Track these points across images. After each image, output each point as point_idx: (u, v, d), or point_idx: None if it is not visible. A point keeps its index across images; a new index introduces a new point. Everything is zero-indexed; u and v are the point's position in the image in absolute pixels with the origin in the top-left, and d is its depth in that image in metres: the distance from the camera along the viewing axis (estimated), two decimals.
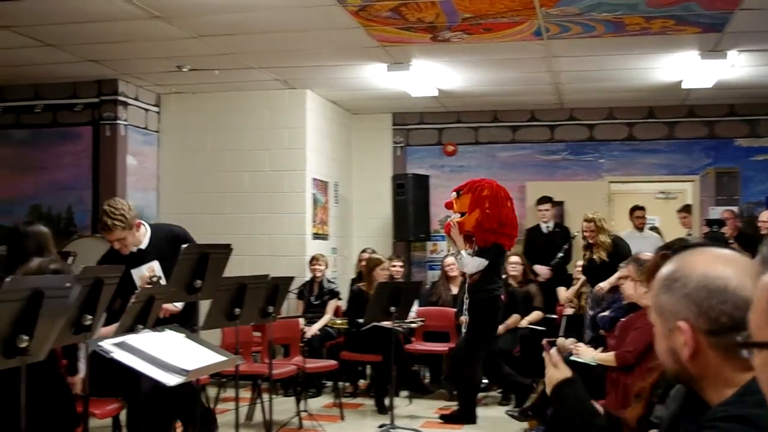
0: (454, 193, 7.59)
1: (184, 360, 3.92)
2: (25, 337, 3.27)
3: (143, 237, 5.45)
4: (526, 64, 8.72)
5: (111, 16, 7.04)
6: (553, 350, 2.76)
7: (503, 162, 11.18)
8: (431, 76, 9.18)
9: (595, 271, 7.78)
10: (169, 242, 5.43)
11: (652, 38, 7.65)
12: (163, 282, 5.26)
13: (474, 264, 7.21)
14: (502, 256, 7.63)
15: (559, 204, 10.29)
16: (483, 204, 7.23)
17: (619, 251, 7.68)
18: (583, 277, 8.32)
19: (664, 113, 10.84)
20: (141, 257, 5.33)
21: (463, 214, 7.34)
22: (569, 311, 8.42)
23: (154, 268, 5.29)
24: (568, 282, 9.04)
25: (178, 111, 10.26)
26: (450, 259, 9.27)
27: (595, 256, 7.87)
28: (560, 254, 9.48)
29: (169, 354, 3.94)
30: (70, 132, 9.64)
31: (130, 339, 4.01)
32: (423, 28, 7.40)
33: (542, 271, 9.40)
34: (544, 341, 3.75)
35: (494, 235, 7.23)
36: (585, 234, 8.07)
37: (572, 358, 5.64)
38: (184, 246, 4.99)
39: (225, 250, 5.26)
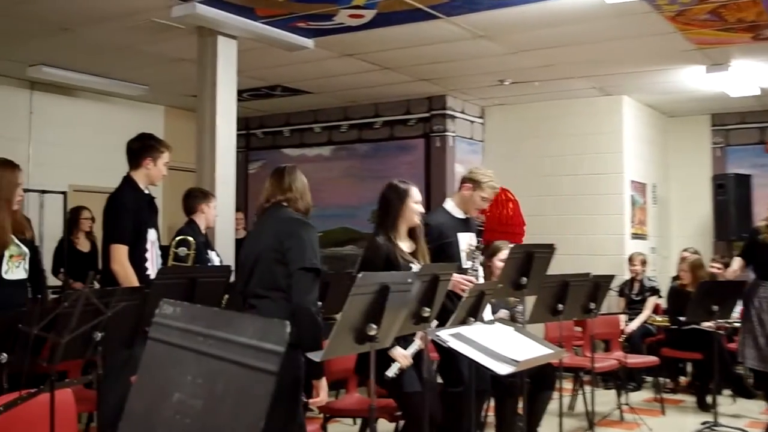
0: None
1: (514, 351, 3.92)
2: (374, 326, 3.40)
3: None
4: None
5: (440, 39, 7.28)
6: None
7: None
8: (753, 76, 8.56)
9: None
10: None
11: None
12: (478, 254, 5.28)
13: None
14: None
15: None
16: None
17: None
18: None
19: None
20: (467, 225, 5.39)
21: None
22: None
23: (473, 237, 5.33)
24: None
25: (501, 121, 10.45)
26: None
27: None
28: None
29: (500, 345, 3.95)
30: (405, 144, 10.14)
31: (464, 330, 4.07)
32: (743, 28, 6.94)
33: None
34: None
35: (495, 235, 7.63)
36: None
37: None
38: (512, 245, 5.03)
39: (548, 249, 5.17)
